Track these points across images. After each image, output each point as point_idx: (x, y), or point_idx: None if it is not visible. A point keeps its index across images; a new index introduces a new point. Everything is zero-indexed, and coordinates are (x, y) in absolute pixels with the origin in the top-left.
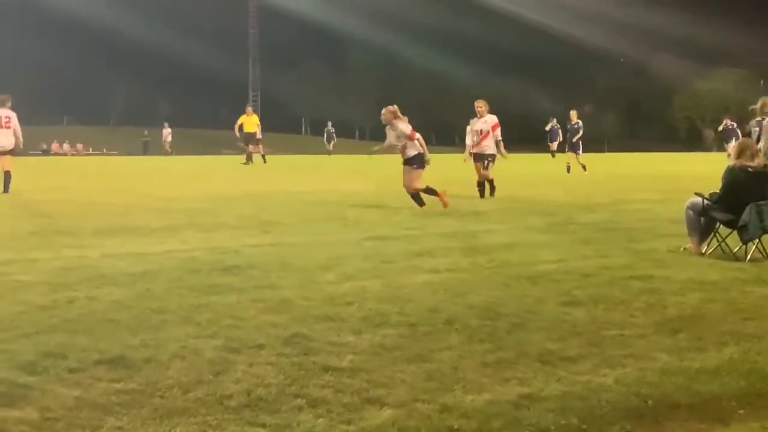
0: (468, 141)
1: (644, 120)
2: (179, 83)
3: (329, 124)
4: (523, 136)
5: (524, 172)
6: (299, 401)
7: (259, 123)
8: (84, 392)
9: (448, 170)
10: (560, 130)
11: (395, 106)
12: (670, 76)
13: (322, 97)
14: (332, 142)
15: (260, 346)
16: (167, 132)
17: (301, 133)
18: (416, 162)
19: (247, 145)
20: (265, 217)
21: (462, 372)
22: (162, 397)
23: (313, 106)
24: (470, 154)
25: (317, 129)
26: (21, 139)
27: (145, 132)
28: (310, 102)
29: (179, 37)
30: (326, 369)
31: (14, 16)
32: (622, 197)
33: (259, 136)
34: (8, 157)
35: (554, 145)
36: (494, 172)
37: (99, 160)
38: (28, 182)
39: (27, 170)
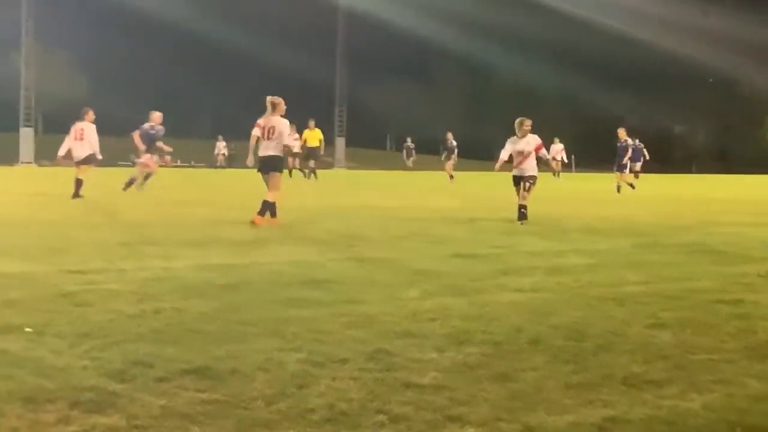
0: (503, 155)
1: (735, 141)
2: (262, 94)
3: (408, 140)
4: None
5: (611, 192)
6: (381, 417)
7: (322, 138)
8: (170, 401)
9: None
10: (644, 149)
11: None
12: (763, 97)
13: (407, 113)
14: (411, 159)
15: (343, 361)
16: (222, 145)
17: (385, 149)
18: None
19: (307, 160)
20: (350, 231)
21: (545, 392)
22: (246, 408)
23: (398, 121)
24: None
25: (402, 145)
26: (97, 149)
27: (232, 145)
28: (395, 117)
29: (268, 52)
30: (408, 385)
31: (107, 27)
32: (712, 219)
33: (321, 151)
34: (85, 166)
35: (637, 166)
36: (577, 191)
37: (185, 172)
38: (116, 193)
39: (115, 181)
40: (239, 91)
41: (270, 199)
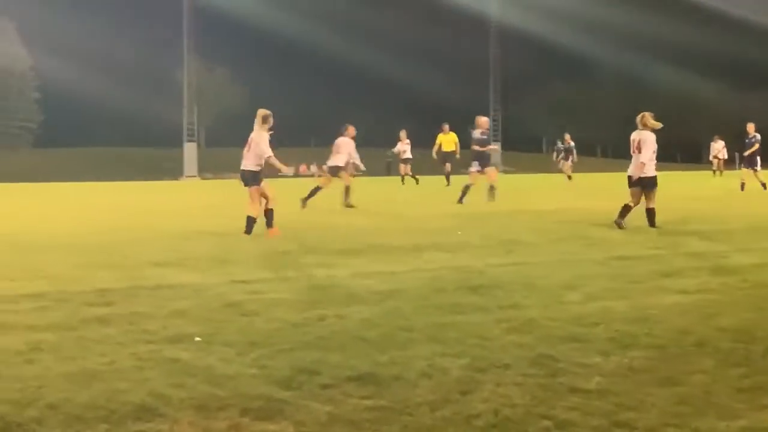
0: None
1: None
2: (420, 105)
3: (558, 143)
4: None
5: None
6: (546, 423)
7: (457, 141)
8: (336, 408)
9: (695, 188)
10: None
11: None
12: None
13: (563, 117)
14: (568, 161)
15: (506, 366)
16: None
17: (542, 152)
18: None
19: (444, 164)
20: (507, 236)
21: (715, 396)
22: (410, 414)
23: (554, 124)
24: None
25: (555, 147)
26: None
27: (388, 153)
28: (551, 121)
29: (419, 63)
30: (573, 390)
31: (265, 45)
32: None
33: (457, 155)
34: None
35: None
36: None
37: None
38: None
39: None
40: (389, 103)
41: (251, 214)
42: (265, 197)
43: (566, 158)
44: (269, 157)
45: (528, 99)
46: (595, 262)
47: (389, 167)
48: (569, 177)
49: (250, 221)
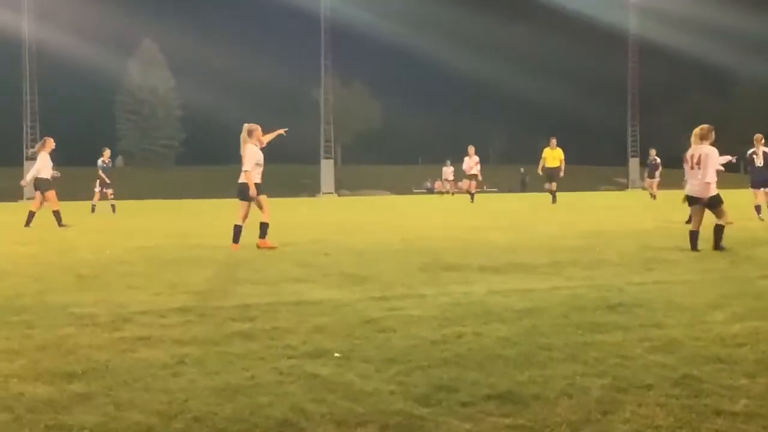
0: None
1: None
2: (558, 122)
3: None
4: None
5: None
6: None
7: (563, 158)
8: (475, 426)
9: None
10: None
11: None
12: None
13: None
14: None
15: (648, 387)
16: (448, 170)
17: (680, 167)
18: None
19: (550, 182)
20: (647, 254)
21: None
22: None
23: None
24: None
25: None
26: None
27: (522, 169)
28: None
29: (558, 81)
30: (718, 413)
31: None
32: None
33: (561, 173)
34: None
35: None
36: None
37: (479, 197)
38: (413, 220)
39: (410, 209)
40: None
41: (239, 223)
42: (244, 214)
43: (651, 176)
44: (245, 171)
45: (665, 114)
46: (742, 281)
47: (524, 183)
48: (653, 196)
49: (238, 230)
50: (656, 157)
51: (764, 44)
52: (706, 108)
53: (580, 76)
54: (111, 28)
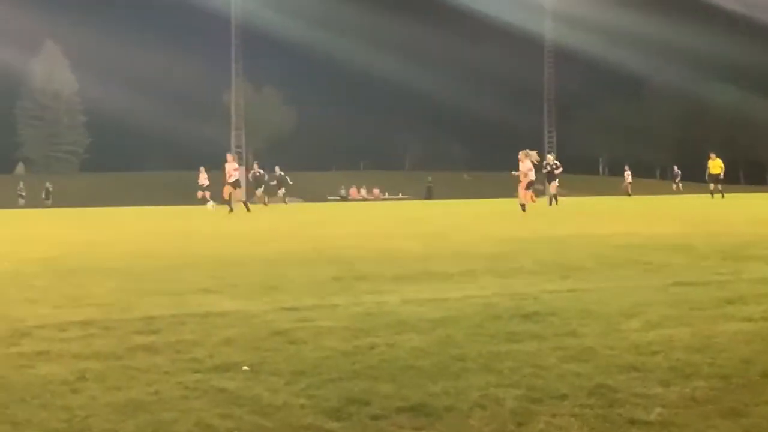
0: None
1: None
2: (472, 128)
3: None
4: None
5: None
6: None
7: (722, 165)
8: None
9: (759, 210)
10: None
11: None
12: None
13: (619, 138)
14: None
15: (563, 397)
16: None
17: (597, 174)
18: None
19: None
20: (562, 261)
21: None
22: None
23: (610, 146)
24: None
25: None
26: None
27: (429, 177)
28: (607, 142)
29: (472, 87)
30: (633, 422)
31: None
32: None
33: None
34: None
35: None
36: None
37: (391, 204)
38: (327, 228)
39: (325, 216)
40: (445, 127)
41: None
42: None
43: (549, 181)
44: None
45: (580, 119)
46: (655, 289)
47: (429, 191)
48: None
49: None
50: (556, 162)
51: (675, 51)
52: (619, 114)
53: (499, 83)
54: (10, 26)
